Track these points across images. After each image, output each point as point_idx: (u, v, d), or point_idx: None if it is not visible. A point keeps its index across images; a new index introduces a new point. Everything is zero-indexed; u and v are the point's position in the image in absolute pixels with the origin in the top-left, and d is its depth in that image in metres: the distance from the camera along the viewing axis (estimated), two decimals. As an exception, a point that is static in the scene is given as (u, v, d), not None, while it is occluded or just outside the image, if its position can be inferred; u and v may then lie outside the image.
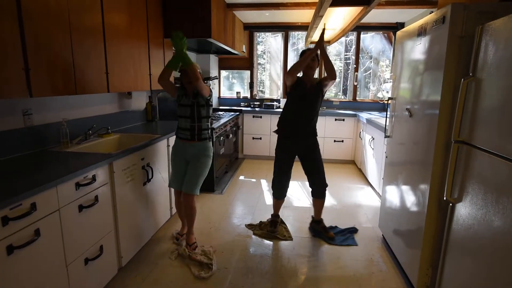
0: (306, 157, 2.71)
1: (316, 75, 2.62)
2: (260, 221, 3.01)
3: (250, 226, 2.95)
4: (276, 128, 2.78)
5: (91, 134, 2.49)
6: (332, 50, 5.99)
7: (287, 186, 2.79)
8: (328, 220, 3.06)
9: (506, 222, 1.28)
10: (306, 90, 2.59)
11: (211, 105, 2.49)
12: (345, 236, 2.77)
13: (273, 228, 2.81)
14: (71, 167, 1.75)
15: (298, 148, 2.70)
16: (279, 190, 2.79)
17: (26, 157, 1.94)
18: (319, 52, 2.56)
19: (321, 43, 2.54)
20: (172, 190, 2.95)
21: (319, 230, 2.82)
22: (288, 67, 5.52)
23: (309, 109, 2.61)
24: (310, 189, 2.80)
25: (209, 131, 2.53)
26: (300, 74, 2.64)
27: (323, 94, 2.65)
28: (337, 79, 5.86)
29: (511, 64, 1.30)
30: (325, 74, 2.61)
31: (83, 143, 2.35)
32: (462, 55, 1.66)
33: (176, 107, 2.48)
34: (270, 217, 2.95)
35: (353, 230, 2.87)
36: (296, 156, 2.75)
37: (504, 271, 1.29)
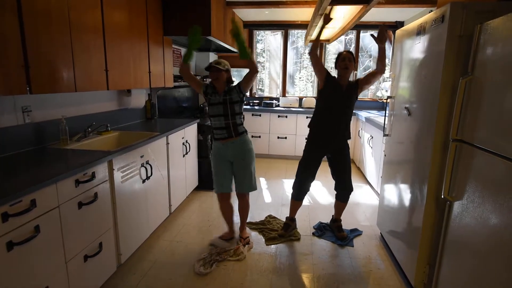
0: (335, 160, 2.65)
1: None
2: (262, 221, 3.01)
3: (249, 224, 2.95)
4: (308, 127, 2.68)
5: (91, 132, 2.49)
6: (332, 49, 5.99)
7: (308, 189, 2.73)
8: (326, 218, 3.08)
9: (503, 220, 1.29)
10: (342, 92, 2.51)
11: (244, 102, 2.50)
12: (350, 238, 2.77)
13: (284, 231, 2.75)
14: (70, 164, 1.76)
15: (327, 151, 2.64)
16: (300, 191, 2.71)
17: (26, 154, 1.94)
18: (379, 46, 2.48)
19: (384, 39, 2.45)
20: (174, 190, 2.96)
21: (332, 228, 2.82)
22: (288, 66, 5.57)
23: (344, 111, 2.54)
24: (335, 192, 2.76)
25: (244, 126, 2.51)
26: (335, 75, 2.58)
27: (357, 95, 2.57)
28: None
29: (509, 63, 1.31)
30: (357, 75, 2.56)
31: (82, 140, 2.35)
32: (461, 54, 1.67)
33: (207, 107, 2.46)
34: (264, 216, 2.93)
35: (359, 234, 2.85)
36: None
37: (501, 269, 1.30)
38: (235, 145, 2.44)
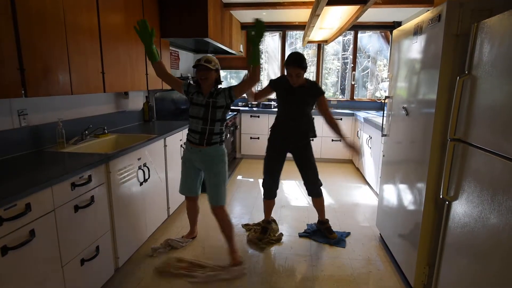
0: (296, 156, 2.69)
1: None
2: (258, 224, 2.97)
3: (246, 226, 2.94)
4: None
5: (88, 134, 2.48)
6: (330, 50, 5.99)
7: (275, 187, 2.72)
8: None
9: (502, 219, 1.28)
10: (290, 90, 2.51)
11: (230, 108, 2.30)
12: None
13: (262, 235, 2.68)
14: (67, 167, 1.75)
15: (286, 147, 2.67)
16: (266, 189, 2.72)
17: (22, 158, 1.93)
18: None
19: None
20: (172, 192, 2.95)
21: (322, 231, 2.77)
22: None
23: (294, 109, 2.57)
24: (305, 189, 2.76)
25: (222, 135, 2.28)
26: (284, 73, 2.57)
27: (313, 101, 2.56)
28: (335, 79, 5.87)
29: (506, 62, 1.30)
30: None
31: (79, 143, 2.34)
32: (457, 53, 1.66)
33: (189, 106, 2.28)
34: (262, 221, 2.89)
35: (347, 234, 2.81)
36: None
37: (500, 268, 1.29)
38: (203, 154, 2.25)
